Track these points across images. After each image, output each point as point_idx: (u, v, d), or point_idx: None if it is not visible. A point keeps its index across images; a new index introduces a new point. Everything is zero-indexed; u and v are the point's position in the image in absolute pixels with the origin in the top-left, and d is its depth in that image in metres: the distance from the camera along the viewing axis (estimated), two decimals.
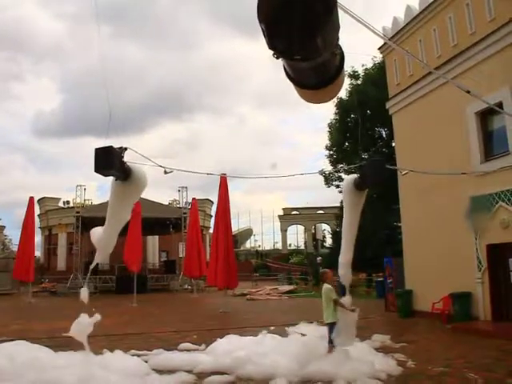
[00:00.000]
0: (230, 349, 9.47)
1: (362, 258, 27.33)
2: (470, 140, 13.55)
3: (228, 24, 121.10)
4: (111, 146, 7.57)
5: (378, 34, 5.06)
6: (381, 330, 12.60)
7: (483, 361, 8.85)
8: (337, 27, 3.17)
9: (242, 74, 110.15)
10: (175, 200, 36.91)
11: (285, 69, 3.76)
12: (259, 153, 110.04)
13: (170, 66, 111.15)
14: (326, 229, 58.03)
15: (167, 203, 37.81)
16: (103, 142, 7.44)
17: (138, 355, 9.57)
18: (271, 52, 3.07)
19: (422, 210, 15.44)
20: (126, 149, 7.91)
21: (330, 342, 8.92)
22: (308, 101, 4.10)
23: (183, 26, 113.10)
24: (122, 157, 7.81)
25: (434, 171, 11.51)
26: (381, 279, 23.73)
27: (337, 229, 41.59)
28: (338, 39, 3.43)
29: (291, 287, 31.26)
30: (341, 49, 3.76)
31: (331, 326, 8.95)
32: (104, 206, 9.55)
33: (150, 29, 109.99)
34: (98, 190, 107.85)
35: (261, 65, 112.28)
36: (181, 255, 34.10)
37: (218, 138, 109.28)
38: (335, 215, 39.91)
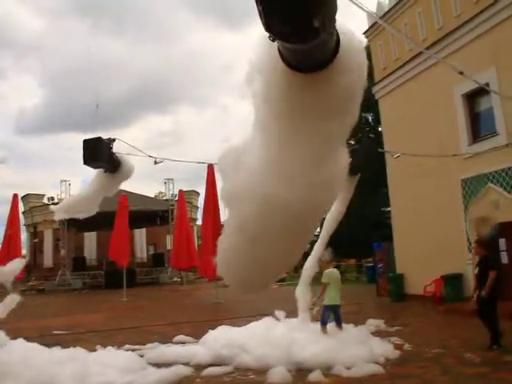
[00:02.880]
0: (224, 339, 9.38)
1: (350, 243, 27.44)
2: (458, 122, 13.60)
3: (210, 14, 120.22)
4: (100, 137, 7.41)
5: (366, 11, 4.97)
6: (374, 314, 12.65)
7: (478, 340, 8.86)
8: (336, 6, 3.06)
9: (226, 64, 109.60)
10: (161, 193, 36.70)
11: (279, 51, 3.60)
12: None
13: (153, 59, 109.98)
14: None
15: (153, 196, 37.55)
16: (87, 137, 7.29)
17: (133, 350, 9.45)
18: (266, 34, 2.93)
19: (411, 194, 15.48)
20: (114, 140, 7.74)
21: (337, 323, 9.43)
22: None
23: (164, 17, 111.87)
24: (111, 148, 7.65)
25: (425, 154, 11.52)
26: (371, 264, 23.87)
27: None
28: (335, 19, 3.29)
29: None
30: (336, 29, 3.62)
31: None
32: None
33: (129, 21, 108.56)
34: (83, 184, 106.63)
35: (244, 55, 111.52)
36: (169, 248, 33.92)
37: (203, 129, 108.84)
38: None
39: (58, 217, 8.59)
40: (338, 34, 3.46)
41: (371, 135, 29.37)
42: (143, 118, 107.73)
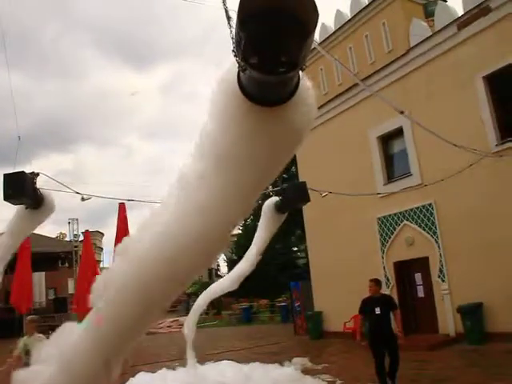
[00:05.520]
0: None
1: (260, 284, 27.40)
2: (373, 163, 14.27)
3: (116, 55, 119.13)
4: (23, 172, 6.87)
5: None
6: (296, 353, 12.55)
7: (406, 372, 9.05)
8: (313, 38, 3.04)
9: (129, 104, 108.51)
10: (62, 233, 34.85)
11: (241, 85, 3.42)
12: (151, 182, 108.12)
13: (54, 96, 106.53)
14: (219, 257, 58.01)
15: (54, 236, 35.51)
16: None
17: None
18: (238, 65, 2.78)
19: (327, 234, 15.83)
20: (37, 174, 7.22)
21: None
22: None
23: (69, 55, 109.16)
24: (35, 183, 7.12)
25: (351, 193, 11.92)
26: (283, 304, 23.96)
27: (234, 256, 41.55)
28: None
29: None
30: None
31: None
32: None
33: (31, 56, 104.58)
34: None
35: (148, 96, 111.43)
36: (71, 292, 31.90)
37: (105, 169, 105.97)
38: (234, 242, 39.63)
39: None
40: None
41: (284, 175, 29.96)
42: (44, 156, 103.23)
